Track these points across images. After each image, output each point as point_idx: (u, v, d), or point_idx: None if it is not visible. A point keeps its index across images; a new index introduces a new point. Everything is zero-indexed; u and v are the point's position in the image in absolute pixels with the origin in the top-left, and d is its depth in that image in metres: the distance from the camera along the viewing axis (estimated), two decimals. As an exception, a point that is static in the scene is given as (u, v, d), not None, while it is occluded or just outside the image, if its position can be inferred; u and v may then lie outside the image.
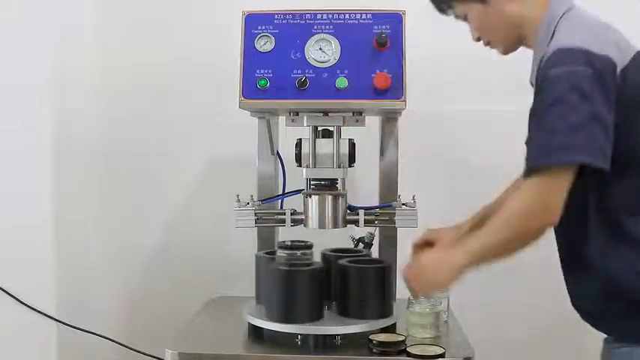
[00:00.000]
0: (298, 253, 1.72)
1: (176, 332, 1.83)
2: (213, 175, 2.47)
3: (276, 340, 1.73)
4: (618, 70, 1.35)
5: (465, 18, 1.62)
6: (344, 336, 1.69)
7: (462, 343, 1.77)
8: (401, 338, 1.67)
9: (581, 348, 2.28)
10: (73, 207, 2.33)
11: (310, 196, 1.85)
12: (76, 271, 2.33)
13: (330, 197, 1.84)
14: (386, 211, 1.91)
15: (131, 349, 2.37)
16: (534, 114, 1.38)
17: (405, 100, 1.76)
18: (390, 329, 1.77)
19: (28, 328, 2.16)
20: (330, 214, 1.83)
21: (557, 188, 1.34)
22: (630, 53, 1.40)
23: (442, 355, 1.63)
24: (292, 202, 1.97)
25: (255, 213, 1.89)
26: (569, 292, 1.55)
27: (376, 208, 1.95)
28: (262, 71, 1.79)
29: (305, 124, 1.83)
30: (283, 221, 1.90)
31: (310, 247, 1.77)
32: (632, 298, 1.41)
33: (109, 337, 2.37)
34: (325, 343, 1.69)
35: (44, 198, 2.18)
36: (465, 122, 2.36)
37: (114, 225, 2.47)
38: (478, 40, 1.64)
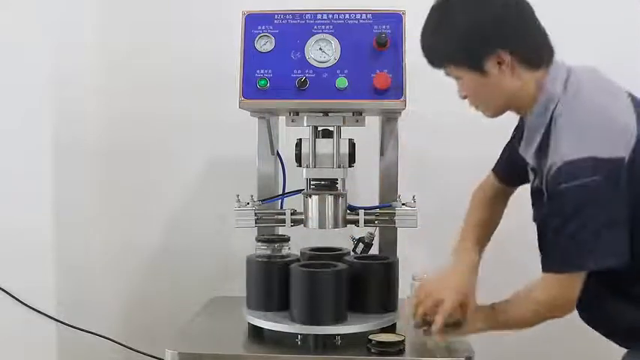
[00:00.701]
0: (276, 245, 1.80)
1: (176, 332, 1.83)
2: (213, 175, 2.47)
3: (276, 340, 1.73)
4: (627, 158, 1.39)
5: (456, 78, 1.58)
6: (344, 336, 1.69)
7: (462, 343, 1.76)
8: (400, 338, 1.67)
9: (581, 348, 2.28)
10: (73, 207, 2.33)
11: (310, 196, 1.85)
12: (75, 271, 2.33)
13: (330, 197, 1.84)
14: (386, 211, 1.91)
15: (131, 349, 2.37)
16: (551, 220, 1.45)
17: (405, 100, 1.76)
18: (390, 329, 1.77)
19: (27, 328, 2.16)
20: (330, 214, 1.83)
21: (576, 285, 1.46)
22: (632, 141, 1.41)
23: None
24: (292, 202, 1.96)
25: (255, 213, 1.89)
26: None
27: (376, 208, 1.94)
28: (262, 71, 1.79)
29: (305, 124, 1.83)
30: (283, 221, 1.90)
31: (287, 240, 1.85)
32: None
33: (109, 337, 2.38)
34: (325, 343, 1.69)
35: (44, 198, 2.18)
36: (465, 122, 2.36)
37: (114, 225, 2.47)
38: (465, 98, 1.61)
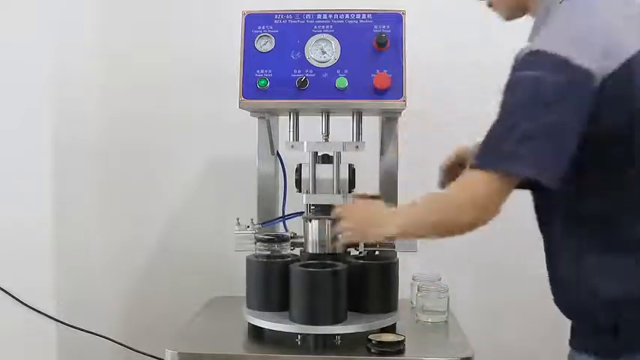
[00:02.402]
0: (276, 245, 1.80)
1: (176, 332, 1.83)
2: (213, 175, 2.47)
3: (276, 340, 1.73)
4: (598, 79, 1.26)
5: None
6: (343, 336, 1.69)
7: (461, 343, 1.77)
8: (400, 338, 1.67)
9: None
10: (73, 207, 2.33)
11: (310, 221, 1.84)
12: (75, 271, 2.33)
13: (330, 222, 1.83)
14: None
15: (131, 349, 2.37)
16: (498, 111, 1.33)
17: (405, 100, 1.76)
18: (390, 329, 1.77)
19: (27, 328, 2.16)
20: (329, 239, 1.82)
21: (499, 191, 1.30)
22: (621, 58, 1.28)
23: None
24: (293, 225, 1.98)
25: (255, 237, 1.89)
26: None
27: None
28: (262, 71, 1.79)
29: (305, 150, 1.82)
30: (283, 245, 1.91)
31: (287, 240, 1.85)
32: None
33: (109, 337, 2.37)
34: (325, 343, 1.69)
35: (44, 198, 2.18)
36: (464, 123, 2.36)
37: (114, 225, 2.47)
38: (490, 5, 1.54)
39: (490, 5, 1.55)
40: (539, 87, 1.26)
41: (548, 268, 1.48)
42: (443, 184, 1.74)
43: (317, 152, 1.84)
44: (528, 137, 1.25)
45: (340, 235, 1.60)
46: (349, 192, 1.88)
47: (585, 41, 1.28)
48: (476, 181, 1.32)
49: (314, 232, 1.84)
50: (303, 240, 1.87)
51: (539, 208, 1.48)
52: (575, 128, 1.26)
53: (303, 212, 1.89)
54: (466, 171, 1.36)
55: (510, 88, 1.31)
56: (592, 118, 1.27)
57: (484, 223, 1.33)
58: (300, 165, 1.88)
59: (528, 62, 1.29)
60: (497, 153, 1.29)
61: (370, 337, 1.66)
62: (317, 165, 1.84)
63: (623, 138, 1.31)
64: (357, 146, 1.82)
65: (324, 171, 1.84)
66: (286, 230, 2.00)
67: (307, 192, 1.83)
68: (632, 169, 1.33)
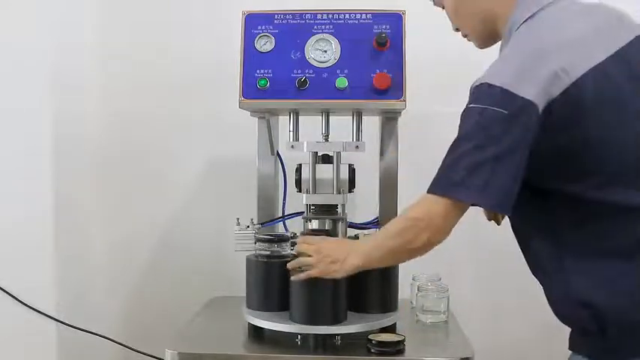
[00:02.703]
0: (276, 245, 1.80)
1: (176, 332, 1.83)
2: (213, 175, 2.47)
3: (276, 340, 1.73)
4: (542, 106, 1.31)
5: (442, 7, 1.61)
6: (343, 336, 1.69)
7: (461, 343, 1.77)
8: (400, 338, 1.67)
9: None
10: (73, 207, 2.33)
11: (310, 221, 1.84)
12: (75, 271, 2.33)
13: (330, 222, 1.83)
14: None
15: (131, 349, 2.37)
16: (457, 138, 1.39)
17: (405, 100, 1.76)
18: (390, 329, 1.77)
19: (28, 328, 2.15)
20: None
21: (448, 215, 1.38)
22: (568, 82, 1.32)
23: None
24: (293, 225, 1.98)
25: (255, 237, 1.89)
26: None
27: (376, 227, 1.95)
28: (262, 71, 1.79)
29: (305, 150, 1.82)
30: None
31: (287, 240, 1.84)
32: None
33: (109, 337, 2.37)
34: (325, 343, 1.69)
35: (44, 198, 2.18)
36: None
37: (114, 225, 2.47)
38: (457, 30, 1.62)
39: (465, 36, 1.61)
40: (484, 119, 1.33)
41: (536, 276, 1.52)
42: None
43: (317, 152, 1.84)
44: (475, 167, 1.33)
45: (302, 269, 1.63)
46: (349, 192, 1.88)
47: (530, 71, 1.33)
48: (430, 206, 1.39)
49: None
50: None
51: (515, 227, 1.53)
52: (521, 155, 1.33)
53: (303, 212, 1.89)
54: (422, 195, 1.42)
55: (462, 118, 1.38)
56: (542, 140, 1.33)
57: (437, 244, 1.43)
58: (300, 165, 1.88)
59: (476, 94, 1.37)
60: (448, 180, 1.36)
61: (370, 337, 1.66)
62: (317, 165, 1.84)
63: (574, 155, 1.35)
64: (357, 146, 1.82)
65: (324, 171, 1.83)
66: (286, 230, 2.00)
67: (307, 192, 1.83)
68: (593, 178, 1.36)
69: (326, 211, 1.86)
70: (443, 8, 1.61)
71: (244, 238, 1.89)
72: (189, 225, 2.48)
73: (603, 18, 1.43)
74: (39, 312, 2.17)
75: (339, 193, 1.83)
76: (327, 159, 1.86)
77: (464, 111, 1.38)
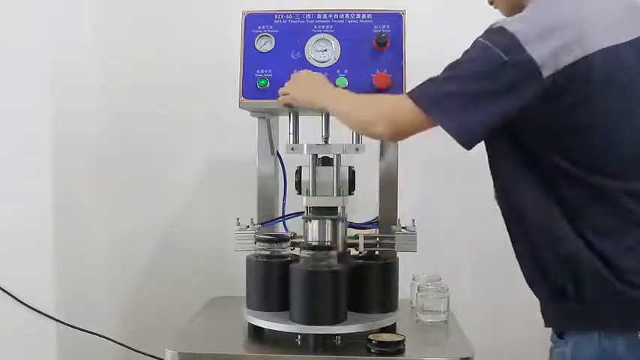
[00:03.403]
0: (275, 246, 1.79)
1: (176, 332, 1.83)
2: (213, 175, 2.47)
3: (276, 340, 1.73)
4: (549, 71, 1.31)
5: None
6: (344, 336, 1.69)
7: (461, 343, 1.77)
8: (400, 338, 1.67)
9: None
10: (73, 207, 2.33)
11: (310, 221, 1.84)
12: (75, 271, 2.33)
13: (330, 222, 1.83)
14: (386, 234, 1.90)
15: (131, 349, 2.37)
16: (452, 63, 1.42)
17: (404, 100, 1.75)
18: (390, 329, 1.77)
19: (28, 328, 2.16)
20: (330, 239, 1.82)
21: (413, 122, 1.43)
22: (581, 54, 1.33)
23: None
24: (293, 225, 1.98)
25: (255, 237, 1.89)
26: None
27: (375, 220, 1.95)
28: (262, 71, 1.79)
29: (305, 153, 1.81)
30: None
31: (287, 240, 1.85)
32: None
33: (109, 337, 2.37)
34: (325, 343, 1.69)
35: (44, 198, 2.18)
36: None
37: (114, 225, 2.47)
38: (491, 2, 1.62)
39: (491, 3, 1.61)
40: (484, 55, 1.35)
41: (518, 245, 1.52)
42: None
43: (317, 155, 1.84)
44: (455, 94, 1.36)
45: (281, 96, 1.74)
46: (349, 194, 1.88)
47: (544, 34, 1.33)
48: (403, 104, 1.43)
49: (314, 232, 1.84)
50: (303, 240, 1.86)
51: (508, 191, 1.51)
52: (503, 107, 1.34)
53: (303, 212, 1.89)
54: (401, 95, 1.51)
55: (469, 48, 1.41)
56: (545, 110, 1.34)
57: (390, 139, 1.63)
58: (300, 167, 1.88)
59: (489, 32, 1.39)
60: (429, 94, 1.40)
61: (370, 337, 1.66)
62: (317, 167, 1.83)
63: (578, 135, 1.37)
64: (357, 148, 1.82)
65: (324, 173, 1.83)
66: (286, 230, 2.00)
67: (307, 194, 1.83)
68: (593, 162, 1.38)
69: (326, 211, 1.85)
70: None
71: (244, 238, 1.89)
72: (189, 225, 2.48)
73: (626, 4, 1.44)
74: (39, 312, 2.17)
75: (339, 195, 1.83)
76: (327, 161, 1.86)
77: (474, 41, 1.40)
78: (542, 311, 1.55)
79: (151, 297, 2.48)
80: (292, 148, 1.83)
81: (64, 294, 2.24)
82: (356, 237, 1.88)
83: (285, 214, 2.01)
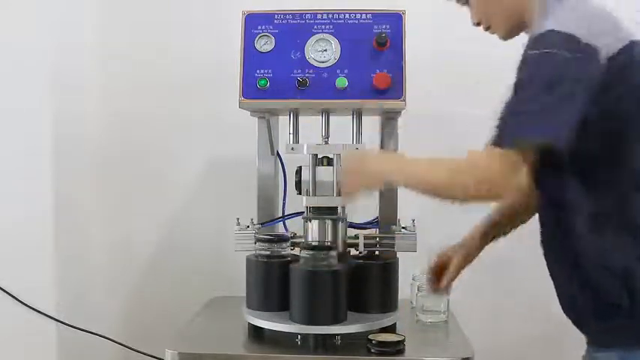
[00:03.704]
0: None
1: (176, 332, 1.83)
2: (213, 175, 2.47)
3: (276, 340, 1.73)
4: (604, 56, 1.32)
5: (466, 2, 1.61)
6: (344, 336, 1.69)
7: (461, 343, 1.77)
8: (400, 338, 1.67)
9: (580, 348, 2.28)
10: (73, 207, 2.33)
11: (310, 221, 1.84)
12: (76, 271, 2.33)
13: (330, 222, 1.83)
14: (386, 234, 1.90)
15: (131, 349, 2.37)
16: (511, 93, 1.36)
17: (405, 100, 1.76)
18: (391, 329, 1.77)
19: (28, 328, 2.16)
20: (330, 239, 1.82)
21: (519, 167, 1.33)
22: (625, 40, 1.36)
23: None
24: (293, 225, 1.98)
25: (255, 237, 1.88)
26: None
27: (376, 226, 1.95)
28: (262, 71, 1.79)
29: (305, 152, 1.81)
30: (282, 245, 1.90)
31: (287, 240, 1.84)
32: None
33: (109, 337, 2.37)
34: (325, 343, 1.69)
35: (44, 198, 2.18)
36: (464, 123, 2.36)
37: (114, 225, 2.47)
38: (478, 24, 1.61)
39: (487, 29, 1.60)
40: (550, 62, 1.31)
41: (554, 267, 1.49)
42: (434, 289, 1.78)
43: (317, 154, 1.83)
44: (544, 109, 1.30)
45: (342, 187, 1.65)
46: None
47: (592, 22, 1.36)
48: (501, 156, 1.32)
49: (314, 232, 1.84)
50: (303, 240, 1.86)
51: (547, 200, 1.48)
52: (583, 101, 1.31)
53: (303, 212, 1.89)
54: (486, 148, 1.36)
55: (524, 66, 1.35)
56: (600, 93, 1.32)
57: (496, 198, 1.42)
58: (300, 167, 1.88)
59: (540, 41, 1.34)
60: (515, 126, 1.32)
61: (370, 337, 1.66)
62: (317, 167, 1.83)
63: (622, 116, 1.37)
64: (357, 148, 1.82)
65: (324, 173, 1.83)
66: (286, 230, 2.00)
67: (307, 194, 1.83)
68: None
69: (326, 211, 1.85)
70: (465, 3, 1.61)
71: (244, 238, 1.89)
72: (189, 225, 2.48)
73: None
74: (39, 312, 2.17)
75: (339, 195, 1.83)
76: (327, 161, 1.86)
77: (524, 58, 1.35)
78: (583, 329, 1.49)
79: (151, 297, 2.48)
80: (292, 148, 1.83)
81: (64, 294, 2.24)
82: (356, 237, 1.88)
83: (285, 214, 2.02)
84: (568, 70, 1.31)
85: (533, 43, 1.36)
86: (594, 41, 1.31)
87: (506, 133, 1.33)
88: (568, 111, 1.30)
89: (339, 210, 1.85)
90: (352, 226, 1.94)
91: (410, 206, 1.98)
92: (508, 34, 1.58)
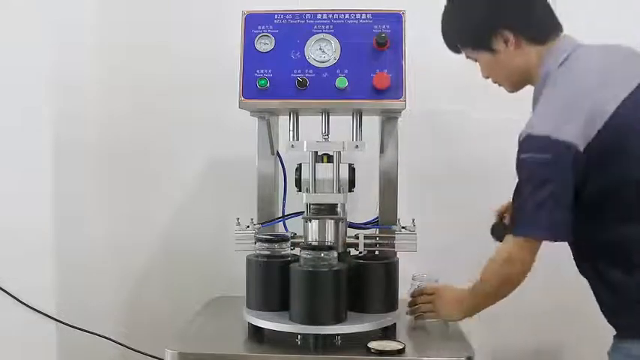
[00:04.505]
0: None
1: (176, 332, 1.83)
2: (213, 175, 2.47)
3: (276, 340, 1.73)
4: (582, 146, 1.51)
5: (475, 60, 1.77)
6: (344, 336, 1.69)
7: (462, 343, 1.77)
8: (400, 346, 1.66)
9: (580, 348, 2.29)
10: (74, 207, 2.33)
11: (310, 221, 1.84)
12: (76, 271, 2.33)
13: (330, 222, 1.83)
14: (386, 234, 1.90)
15: (131, 349, 2.37)
16: (517, 187, 1.59)
17: (405, 100, 1.76)
18: (390, 329, 1.77)
19: (28, 328, 2.16)
20: (330, 239, 1.82)
21: (530, 248, 1.60)
22: (602, 122, 1.51)
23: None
24: (293, 225, 1.99)
25: (255, 237, 1.88)
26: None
27: (376, 226, 1.96)
28: (262, 71, 1.79)
29: (305, 150, 1.81)
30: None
31: (287, 240, 1.85)
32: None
33: (109, 337, 2.37)
34: (325, 343, 1.69)
35: (44, 198, 2.18)
36: (464, 122, 2.36)
37: (114, 225, 2.47)
38: (487, 78, 1.78)
39: (496, 82, 1.78)
40: (535, 166, 1.54)
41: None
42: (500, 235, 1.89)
43: (317, 152, 1.84)
44: (539, 207, 1.53)
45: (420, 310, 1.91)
46: (350, 191, 1.87)
47: (568, 115, 1.53)
48: (516, 244, 1.61)
49: (314, 232, 1.84)
50: (303, 240, 1.87)
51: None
52: (570, 191, 1.54)
53: (303, 212, 1.88)
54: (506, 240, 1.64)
55: (518, 168, 1.58)
56: (587, 180, 1.54)
57: (525, 274, 1.62)
58: (300, 164, 1.88)
59: (524, 146, 1.57)
60: (522, 223, 1.58)
61: (369, 344, 1.65)
62: (317, 164, 1.83)
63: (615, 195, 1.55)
64: (357, 145, 1.82)
65: (324, 170, 1.83)
66: (286, 230, 2.00)
67: (307, 191, 1.83)
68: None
69: (326, 211, 1.85)
70: (475, 61, 1.78)
71: (244, 238, 1.89)
72: (189, 225, 2.48)
73: (623, 55, 1.64)
74: (39, 312, 2.17)
75: (340, 192, 1.83)
76: (327, 158, 1.86)
77: (517, 161, 1.58)
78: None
79: (150, 297, 2.48)
80: (292, 145, 1.83)
81: (64, 294, 2.25)
82: (356, 237, 1.88)
83: (285, 214, 2.02)
84: (550, 170, 1.52)
85: (521, 147, 1.58)
86: (569, 135, 1.50)
87: (517, 227, 1.59)
88: (556, 208, 1.53)
89: (339, 210, 1.85)
90: (352, 226, 1.94)
91: (410, 206, 1.99)
92: (514, 89, 1.77)
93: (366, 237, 1.88)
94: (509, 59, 1.69)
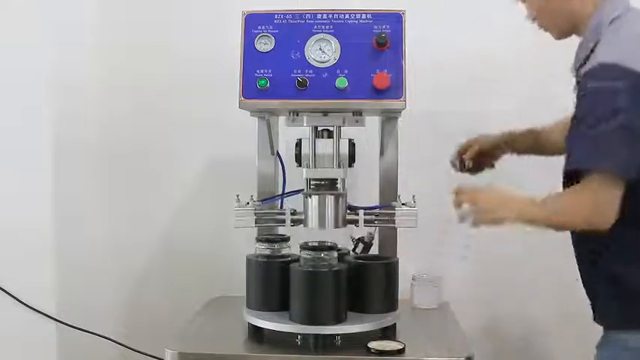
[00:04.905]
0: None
1: (176, 332, 1.83)
2: (213, 175, 2.47)
3: (276, 340, 1.73)
4: None
5: (523, 1, 1.71)
6: (344, 336, 1.69)
7: (462, 343, 1.77)
8: (400, 346, 1.66)
9: (580, 348, 2.28)
10: (74, 207, 2.33)
11: (310, 196, 1.84)
12: (76, 271, 2.33)
13: (330, 197, 1.83)
14: (385, 211, 1.90)
15: (131, 349, 2.37)
16: (578, 120, 1.51)
17: (405, 100, 1.76)
18: (390, 329, 1.77)
19: (28, 328, 2.16)
20: (330, 214, 1.82)
21: (611, 190, 1.46)
22: None
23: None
24: (292, 202, 1.96)
25: (255, 213, 1.89)
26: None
27: (376, 208, 1.94)
28: (262, 71, 1.79)
29: (305, 124, 1.82)
30: (283, 221, 1.89)
31: (287, 240, 1.84)
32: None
33: (109, 337, 2.37)
34: (325, 343, 1.69)
35: (44, 198, 2.18)
36: (464, 122, 2.36)
37: (114, 225, 2.47)
38: (533, 21, 1.71)
39: (541, 27, 1.70)
40: (607, 94, 1.45)
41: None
42: (461, 168, 1.91)
43: (317, 127, 1.83)
44: (607, 138, 1.44)
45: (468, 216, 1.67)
46: (350, 166, 1.87)
47: (636, 49, 1.48)
48: (594, 188, 1.47)
49: (314, 208, 1.83)
50: (303, 216, 1.86)
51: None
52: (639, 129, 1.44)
53: (302, 190, 1.88)
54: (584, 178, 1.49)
55: (585, 97, 1.50)
56: None
57: (606, 227, 1.47)
58: (300, 140, 1.87)
59: (596, 74, 1.48)
60: (587, 152, 1.47)
61: (369, 345, 1.65)
62: (317, 140, 1.83)
63: None
64: (356, 120, 1.82)
65: (325, 145, 1.83)
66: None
67: (307, 166, 1.82)
68: None
69: (326, 187, 1.85)
70: (524, 1, 1.71)
71: (244, 215, 1.88)
72: (189, 225, 2.48)
73: None
74: (39, 312, 2.17)
75: (340, 167, 1.82)
76: (327, 134, 1.86)
77: (585, 90, 1.49)
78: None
79: (150, 297, 2.48)
80: (293, 120, 1.83)
81: (64, 294, 2.25)
82: (356, 213, 1.87)
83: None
84: (624, 99, 1.43)
85: (592, 75, 1.48)
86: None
87: (585, 161, 1.47)
88: (626, 140, 1.43)
89: (339, 186, 1.84)
90: (352, 207, 1.92)
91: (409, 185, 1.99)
92: (561, 36, 1.70)
93: (366, 213, 1.88)
94: (566, 1, 1.63)
